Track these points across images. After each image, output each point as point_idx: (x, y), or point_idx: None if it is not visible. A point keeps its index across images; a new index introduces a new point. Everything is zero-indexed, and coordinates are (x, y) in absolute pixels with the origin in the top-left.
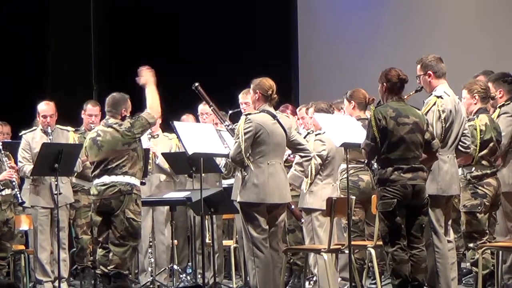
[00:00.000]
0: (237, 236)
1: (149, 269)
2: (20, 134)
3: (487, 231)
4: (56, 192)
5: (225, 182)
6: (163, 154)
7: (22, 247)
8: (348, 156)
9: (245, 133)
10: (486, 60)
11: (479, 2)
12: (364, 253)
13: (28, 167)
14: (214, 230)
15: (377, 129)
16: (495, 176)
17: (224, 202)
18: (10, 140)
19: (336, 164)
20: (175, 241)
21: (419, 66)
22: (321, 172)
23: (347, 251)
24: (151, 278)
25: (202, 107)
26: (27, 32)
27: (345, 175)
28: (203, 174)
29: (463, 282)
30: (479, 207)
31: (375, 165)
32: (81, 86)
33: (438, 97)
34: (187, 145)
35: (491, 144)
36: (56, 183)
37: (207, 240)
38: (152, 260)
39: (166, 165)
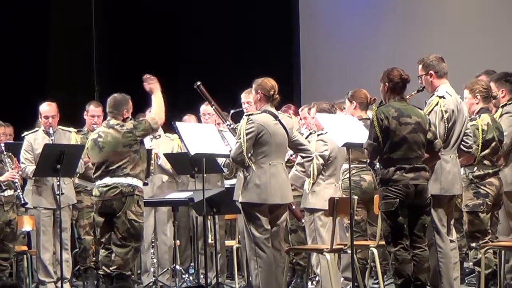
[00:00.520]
0: (239, 236)
1: (152, 269)
2: (22, 135)
3: (490, 231)
4: (58, 193)
5: (227, 183)
6: (165, 154)
7: (24, 248)
8: (350, 156)
9: (246, 134)
10: (488, 60)
11: (480, 1)
12: (367, 253)
13: (30, 168)
14: (217, 231)
15: (380, 129)
16: (497, 176)
17: (227, 203)
18: (13, 141)
19: (338, 164)
20: (178, 242)
21: (420, 66)
22: (323, 172)
23: (349, 251)
24: (154, 278)
25: (204, 108)
26: (28, 33)
27: (347, 175)
28: (205, 175)
29: (466, 281)
30: (481, 207)
31: (377, 165)
32: (82, 86)
33: (440, 97)
34: (189, 146)
35: (493, 144)
36: (58, 183)
37: (209, 240)
38: (155, 260)
39: (168, 166)
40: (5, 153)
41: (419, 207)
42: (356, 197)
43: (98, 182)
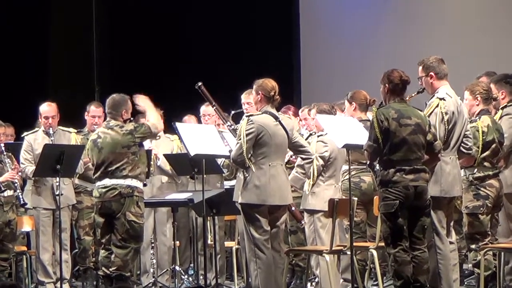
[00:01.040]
0: (239, 237)
1: (151, 270)
2: (22, 135)
3: (489, 233)
4: (57, 193)
5: (227, 183)
6: (165, 155)
7: (24, 248)
8: (350, 157)
9: (247, 134)
10: (489, 61)
11: (480, 3)
12: (366, 254)
13: (30, 168)
14: (216, 231)
15: (379, 130)
16: (497, 178)
17: (226, 203)
18: (13, 142)
19: (338, 165)
20: (177, 242)
21: (420, 68)
22: (323, 173)
23: (349, 253)
24: (153, 279)
25: (204, 108)
26: (28, 33)
27: (347, 177)
28: (205, 176)
29: (465, 283)
30: (481, 209)
31: (377, 167)
32: (83, 87)
33: (440, 99)
34: (189, 147)
35: (493, 146)
36: (57, 184)
37: (209, 241)
38: (154, 261)
39: (167, 167)
40: (5, 153)
41: (419, 209)
42: (355, 199)
43: (98, 183)
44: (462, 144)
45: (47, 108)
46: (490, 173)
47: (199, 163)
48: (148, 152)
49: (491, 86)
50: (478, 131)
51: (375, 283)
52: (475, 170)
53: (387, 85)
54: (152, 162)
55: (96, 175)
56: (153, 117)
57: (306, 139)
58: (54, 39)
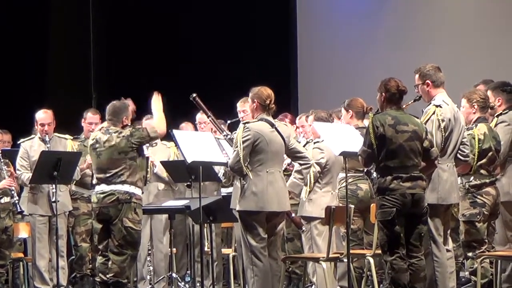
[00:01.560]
0: (235, 245)
1: (148, 277)
2: (18, 142)
3: (486, 240)
4: (54, 200)
5: (224, 191)
6: (162, 162)
7: (21, 255)
8: (346, 164)
9: (243, 142)
10: (485, 69)
11: (478, 10)
12: (363, 261)
13: (26, 175)
14: (213, 239)
15: (374, 135)
16: (494, 185)
17: (223, 211)
18: (10, 148)
19: (335, 172)
20: (174, 249)
21: (417, 76)
22: (320, 180)
23: (345, 260)
24: (150, 286)
25: (200, 116)
26: (26, 39)
27: (344, 184)
28: (202, 183)
29: None
30: (478, 216)
31: (374, 174)
32: (80, 93)
33: (437, 106)
34: (186, 154)
35: (490, 153)
36: (54, 191)
37: (206, 249)
38: (151, 268)
39: (164, 174)
40: (1, 160)
41: (416, 216)
42: (352, 206)
43: (96, 189)
44: (459, 152)
45: (43, 115)
46: (487, 181)
47: (196, 170)
48: (145, 159)
49: (489, 93)
50: (474, 138)
51: None
52: (472, 178)
53: (383, 93)
54: (148, 169)
55: (94, 181)
56: (156, 119)
57: (304, 146)
58: (51, 45)
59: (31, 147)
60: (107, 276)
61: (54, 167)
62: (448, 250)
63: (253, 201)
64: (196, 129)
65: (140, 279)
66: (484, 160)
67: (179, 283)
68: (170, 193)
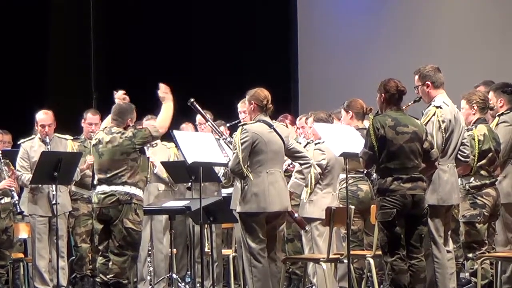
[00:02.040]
0: (236, 245)
1: (148, 277)
2: (18, 142)
3: (486, 241)
4: (54, 202)
5: (224, 191)
6: (162, 163)
7: (21, 255)
8: (347, 165)
9: (242, 143)
10: (486, 70)
11: (478, 12)
12: (363, 262)
13: (26, 176)
14: (213, 239)
15: (375, 137)
16: (494, 186)
17: (223, 211)
18: (10, 149)
19: (335, 174)
20: (174, 250)
21: (417, 77)
22: (321, 181)
23: (346, 261)
24: (150, 286)
25: (200, 117)
26: (26, 40)
27: (344, 185)
28: (202, 184)
29: None
30: (478, 217)
31: (374, 175)
32: (80, 94)
33: (437, 107)
34: (187, 154)
35: (489, 154)
36: (53, 192)
37: (206, 249)
38: (151, 268)
39: (164, 175)
40: (2, 160)
41: (416, 217)
42: (353, 207)
43: (97, 189)
44: (459, 152)
45: (43, 116)
46: (487, 182)
47: (196, 171)
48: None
49: (490, 94)
50: (474, 139)
51: None
52: (472, 179)
53: (383, 94)
54: (148, 170)
55: (95, 181)
56: (162, 117)
57: (304, 147)
58: (51, 46)
59: (31, 148)
60: (108, 276)
61: (54, 168)
62: (448, 251)
63: (255, 202)
64: (197, 130)
65: (140, 280)
66: (484, 161)
67: (179, 283)
68: (170, 194)
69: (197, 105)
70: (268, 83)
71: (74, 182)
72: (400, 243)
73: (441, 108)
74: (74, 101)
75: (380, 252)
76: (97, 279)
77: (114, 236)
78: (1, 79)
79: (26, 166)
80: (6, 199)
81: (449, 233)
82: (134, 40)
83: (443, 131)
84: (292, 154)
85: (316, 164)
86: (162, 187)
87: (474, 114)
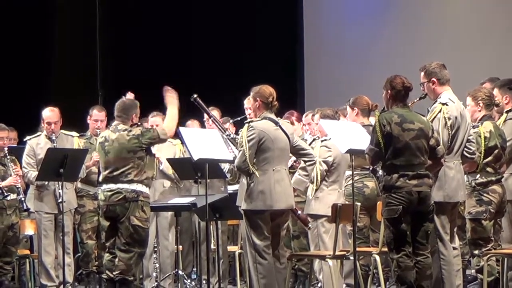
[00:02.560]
0: (242, 242)
1: (154, 274)
2: (24, 139)
3: (492, 238)
4: (60, 201)
5: (230, 188)
6: (168, 159)
7: (27, 251)
8: (353, 162)
9: (248, 141)
10: (491, 67)
11: (483, 8)
12: (369, 259)
13: (32, 173)
14: (219, 236)
15: (381, 134)
16: (500, 183)
17: (229, 208)
18: (16, 145)
19: (341, 170)
20: (180, 247)
21: (422, 73)
22: (327, 178)
23: (352, 258)
24: (156, 283)
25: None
26: (32, 37)
27: (350, 182)
28: (208, 180)
29: None
30: (484, 214)
31: (380, 172)
32: (86, 91)
33: (443, 104)
34: (193, 151)
35: (495, 151)
36: (59, 190)
37: (212, 246)
38: (157, 265)
39: (170, 171)
40: (8, 157)
41: (422, 214)
42: (359, 204)
43: (104, 187)
44: (465, 149)
45: (49, 114)
46: (493, 178)
47: (202, 167)
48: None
49: (495, 90)
50: (480, 136)
51: None
52: (478, 175)
53: (389, 91)
54: (155, 167)
55: (101, 179)
56: (167, 121)
57: (310, 144)
58: (57, 43)
59: (38, 145)
60: (114, 273)
61: (60, 165)
62: (454, 248)
63: (261, 200)
64: (202, 127)
65: (146, 276)
66: (490, 158)
67: (185, 280)
68: (176, 190)
69: (200, 101)
70: (274, 81)
71: (80, 179)
72: (406, 240)
73: (447, 105)
74: (80, 98)
75: (386, 249)
76: (103, 276)
77: (121, 233)
78: (7, 76)
79: (32, 163)
80: (12, 196)
81: (455, 230)
82: (139, 39)
83: (449, 128)
84: (297, 151)
85: (322, 161)
86: (167, 183)
87: (479, 111)
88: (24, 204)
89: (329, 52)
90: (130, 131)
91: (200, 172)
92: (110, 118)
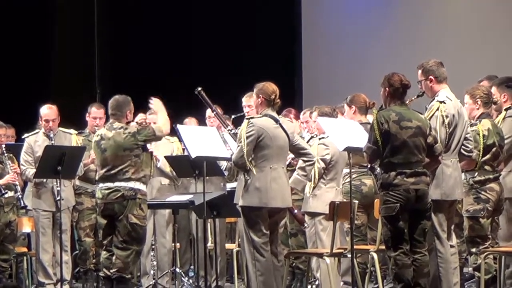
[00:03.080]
0: (239, 240)
1: (152, 272)
2: (22, 137)
3: (490, 236)
4: (58, 198)
5: (228, 186)
6: (166, 157)
7: (24, 249)
8: (351, 160)
9: (247, 137)
10: (489, 65)
11: (482, 7)
12: (367, 257)
13: (31, 171)
14: (217, 233)
15: (379, 132)
16: (498, 181)
17: (227, 206)
18: (13, 143)
19: (339, 168)
20: (178, 244)
21: (420, 71)
22: (325, 176)
23: (349, 255)
24: (154, 281)
25: (210, 111)
26: (31, 35)
27: (348, 179)
28: (207, 177)
29: (466, 287)
30: (482, 212)
31: (378, 170)
32: (84, 88)
33: (441, 102)
34: (191, 149)
35: (493, 149)
36: (58, 188)
37: (209, 244)
38: (155, 263)
39: (167, 169)
40: (5, 154)
41: (420, 212)
42: (356, 202)
43: (101, 185)
44: (462, 147)
45: (47, 111)
46: (491, 176)
47: (200, 165)
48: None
49: (493, 88)
50: (478, 134)
51: (376, 286)
52: (476, 173)
53: (387, 88)
54: (152, 164)
55: (99, 177)
56: (161, 120)
57: (308, 141)
58: (56, 40)
59: (36, 142)
60: (111, 271)
61: (58, 162)
62: (451, 246)
63: (257, 197)
64: (200, 124)
65: (143, 274)
66: (488, 156)
67: (182, 278)
68: (173, 188)
69: (204, 94)
70: (273, 78)
71: (78, 176)
72: (403, 237)
73: (444, 103)
74: (78, 96)
75: (383, 247)
76: (101, 274)
77: (119, 231)
78: (5, 74)
79: (30, 160)
80: (10, 193)
81: (453, 227)
82: (137, 37)
83: (447, 126)
84: (297, 151)
85: (320, 158)
86: (165, 181)
87: (478, 109)
88: (22, 201)
89: (327, 50)
90: (126, 129)
91: (198, 170)
92: (108, 115)
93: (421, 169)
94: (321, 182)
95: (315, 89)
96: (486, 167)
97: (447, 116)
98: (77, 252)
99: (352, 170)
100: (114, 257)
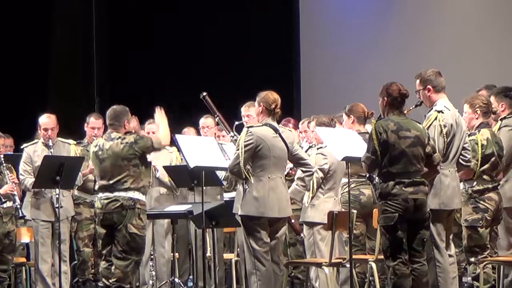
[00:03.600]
0: (238, 250)
1: (150, 282)
2: (21, 147)
3: (489, 246)
4: (57, 206)
5: (226, 196)
6: (164, 167)
7: (23, 259)
8: (349, 170)
9: (245, 146)
10: (488, 74)
11: (480, 16)
12: (365, 267)
13: (29, 180)
14: (215, 243)
15: (378, 142)
16: (497, 191)
17: (226, 215)
18: (12, 153)
19: (338, 178)
20: (176, 254)
21: (418, 81)
22: (323, 186)
23: (348, 265)
24: None
25: (204, 120)
26: (29, 44)
27: (347, 189)
28: (204, 188)
29: None
30: (481, 222)
31: (377, 179)
32: (82, 98)
33: (439, 111)
34: (189, 159)
35: (492, 159)
36: (57, 196)
37: (208, 253)
38: (153, 273)
39: (166, 178)
40: (4, 164)
41: (418, 222)
42: (355, 211)
43: (100, 195)
44: (460, 157)
45: (46, 120)
46: (489, 186)
47: (199, 175)
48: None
49: (491, 98)
50: (477, 144)
51: None
52: (474, 183)
53: (385, 98)
54: (151, 174)
55: (98, 187)
56: (162, 131)
57: (306, 151)
58: (53, 50)
59: (35, 152)
60: (110, 281)
61: (56, 172)
62: (450, 256)
63: (254, 206)
64: (199, 134)
65: (142, 284)
66: (487, 166)
67: None
68: (172, 198)
69: (208, 99)
70: (271, 88)
71: (76, 186)
72: (402, 247)
73: (442, 112)
74: (77, 106)
75: (382, 256)
76: (100, 284)
77: (118, 241)
78: (3, 83)
79: (29, 170)
80: (9, 203)
81: (451, 237)
82: (136, 45)
83: (445, 135)
84: (296, 160)
85: (318, 168)
86: (163, 190)
87: (477, 118)
88: (20, 211)
89: (325, 60)
90: (124, 139)
91: (197, 180)
92: (107, 125)
93: (419, 179)
94: (319, 192)
95: (314, 98)
96: (485, 177)
97: (445, 126)
98: (76, 262)
99: (351, 180)
100: (113, 267)
